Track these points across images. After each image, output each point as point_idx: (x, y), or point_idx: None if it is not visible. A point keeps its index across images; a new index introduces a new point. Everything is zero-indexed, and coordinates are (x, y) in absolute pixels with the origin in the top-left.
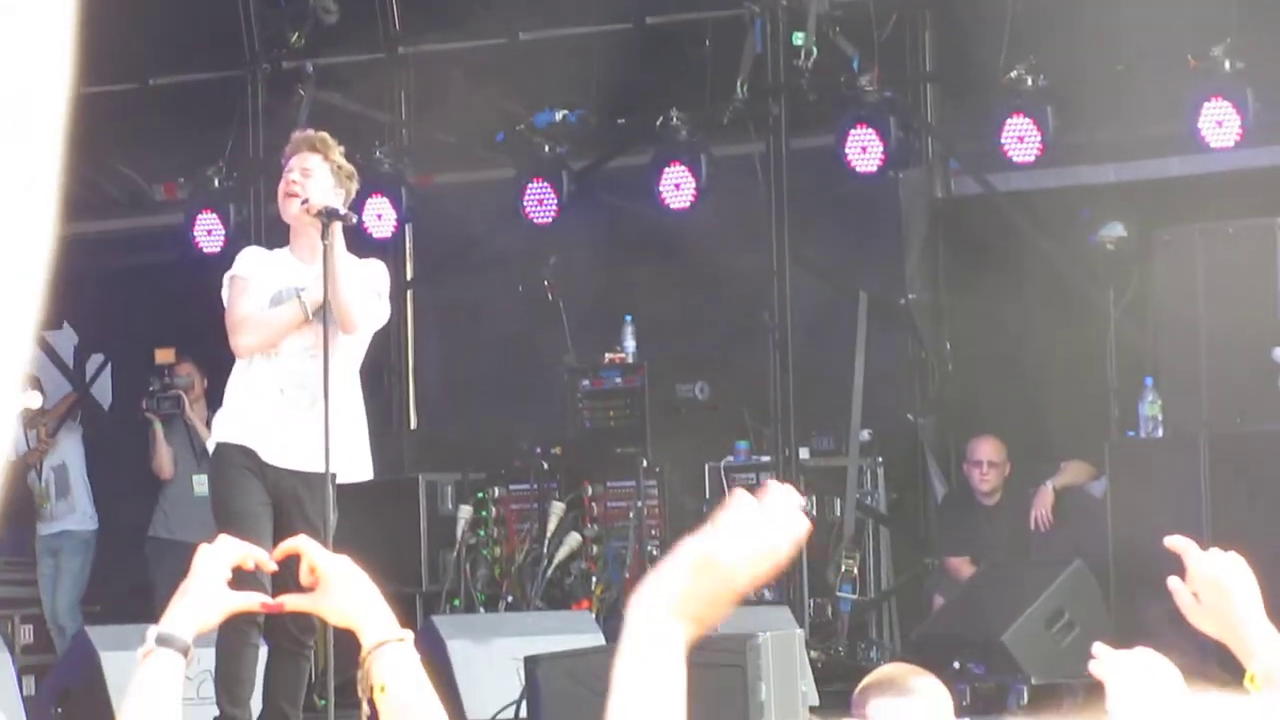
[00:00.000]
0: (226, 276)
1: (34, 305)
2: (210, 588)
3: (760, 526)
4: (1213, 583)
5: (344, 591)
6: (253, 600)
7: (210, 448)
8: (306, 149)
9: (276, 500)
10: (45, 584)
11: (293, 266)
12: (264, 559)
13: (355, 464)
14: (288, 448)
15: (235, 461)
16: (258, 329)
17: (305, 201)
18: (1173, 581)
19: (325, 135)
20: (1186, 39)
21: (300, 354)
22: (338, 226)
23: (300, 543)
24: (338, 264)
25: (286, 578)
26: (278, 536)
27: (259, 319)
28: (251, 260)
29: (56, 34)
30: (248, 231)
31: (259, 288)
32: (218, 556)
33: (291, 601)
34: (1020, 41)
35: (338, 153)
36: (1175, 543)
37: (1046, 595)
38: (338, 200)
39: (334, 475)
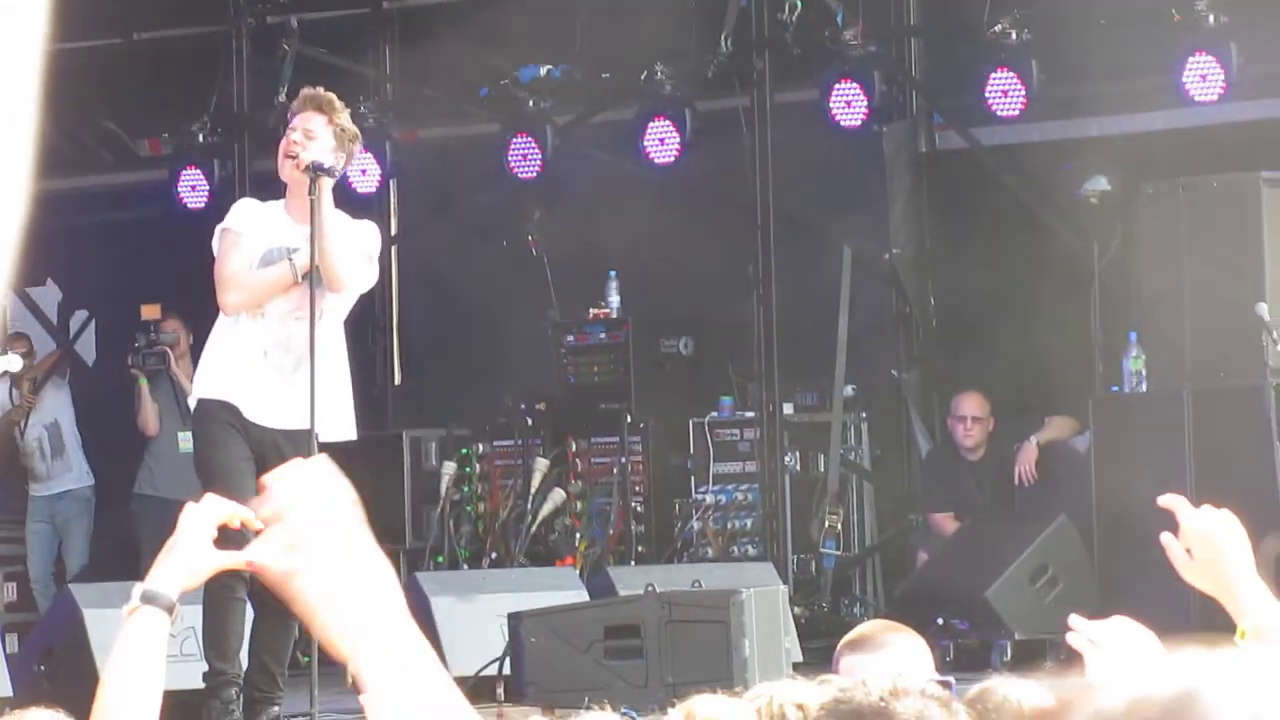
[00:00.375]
0: (218, 228)
1: (8, 260)
2: (196, 546)
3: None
4: (1205, 539)
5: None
6: (238, 559)
7: (192, 404)
8: (312, 109)
9: (259, 455)
10: (37, 543)
11: (286, 225)
12: (249, 517)
13: (339, 424)
14: (271, 407)
15: (218, 417)
16: (245, 288)
17: (296, 158)
18: (1165, 537)
19: (332, 97)
20: None
21: (285, 316)
22: (326, 183)
23: (266, 480)
24: (326, 221)
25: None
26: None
27: (247, 278)
28: (244, 214)
29: None
30: (232, 186)
31: (250, 244)
32: (203, 515)
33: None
34: None
35: (344, 115)
36: (1168, 500)
37: (1030, 551)
38: (337, 162)
39: (317, 435)
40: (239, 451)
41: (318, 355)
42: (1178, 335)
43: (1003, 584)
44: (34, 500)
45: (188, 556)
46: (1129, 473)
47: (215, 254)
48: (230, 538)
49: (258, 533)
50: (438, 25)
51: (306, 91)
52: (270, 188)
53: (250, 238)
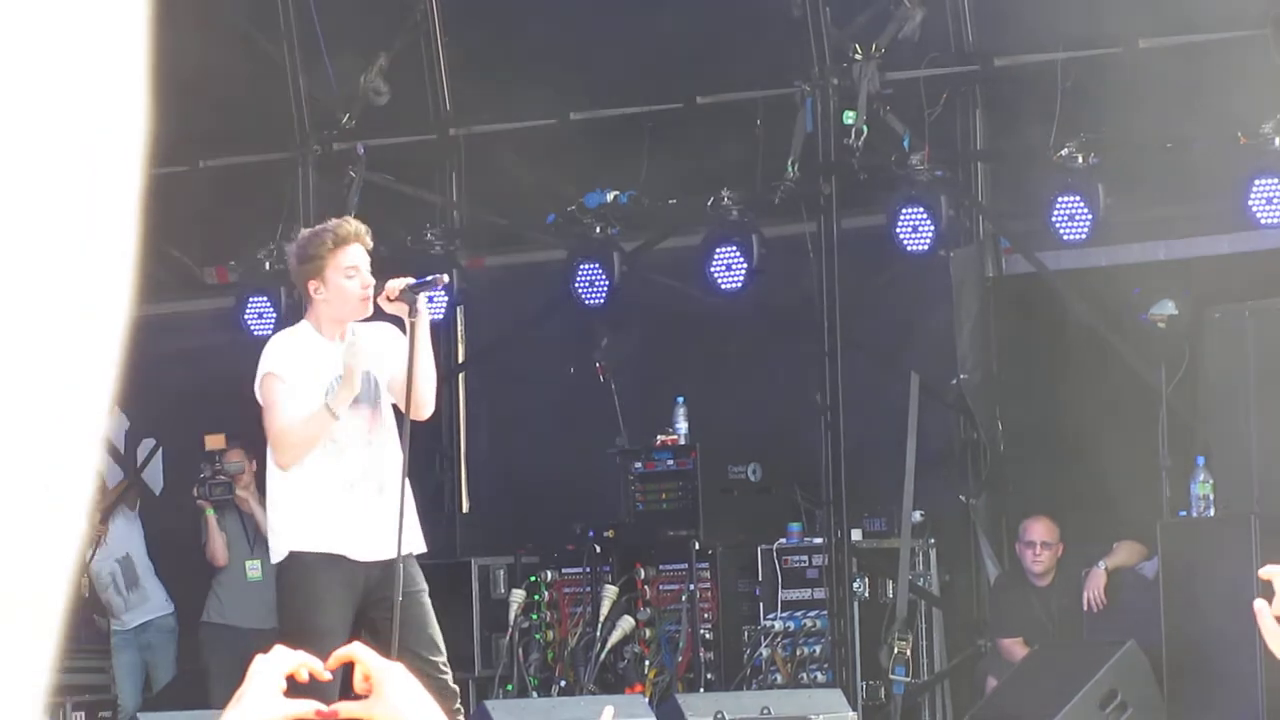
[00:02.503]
0: (262, 374)
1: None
2: (264, 696)
3: None
4: None
5: (397, 697)
6: (307, 708)
7: (282, 552)
8: (362, 245)
9: (355, 591)
10: (126, 675)
11: (323, 349)
12: (318, 669)
13: (418, 539)
14: (371, 542)
15: (320, 574)
16: (294, 448)
17: (378, 293)
18: (1259, 604)
19: (361, 227)
20: (1236, 115)
21: (359, 443)
22: (423, 300)
23: (354, 649)
24: (424, 348)
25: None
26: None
27: (294, 439)
28: (285, 356)
29: (131, 110)
30: (299, 314)
31: (304, 386)
32: (273, 665)
33: (345, 709)
34: (1070, 119)
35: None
36: (1269, 571)
37: (1100, 676)
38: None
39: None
40: (342, 614)
41: (395, 476)
42: (1245, 460)
43: (1072, 709)
44: (117, 635)
45: (256, 707)
46: (1197, 598)
47: (261, 401)
48: (304, 690)
49: (325, 682)
50: (504, 151)
51: (350, 225)
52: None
53: (298, 379)
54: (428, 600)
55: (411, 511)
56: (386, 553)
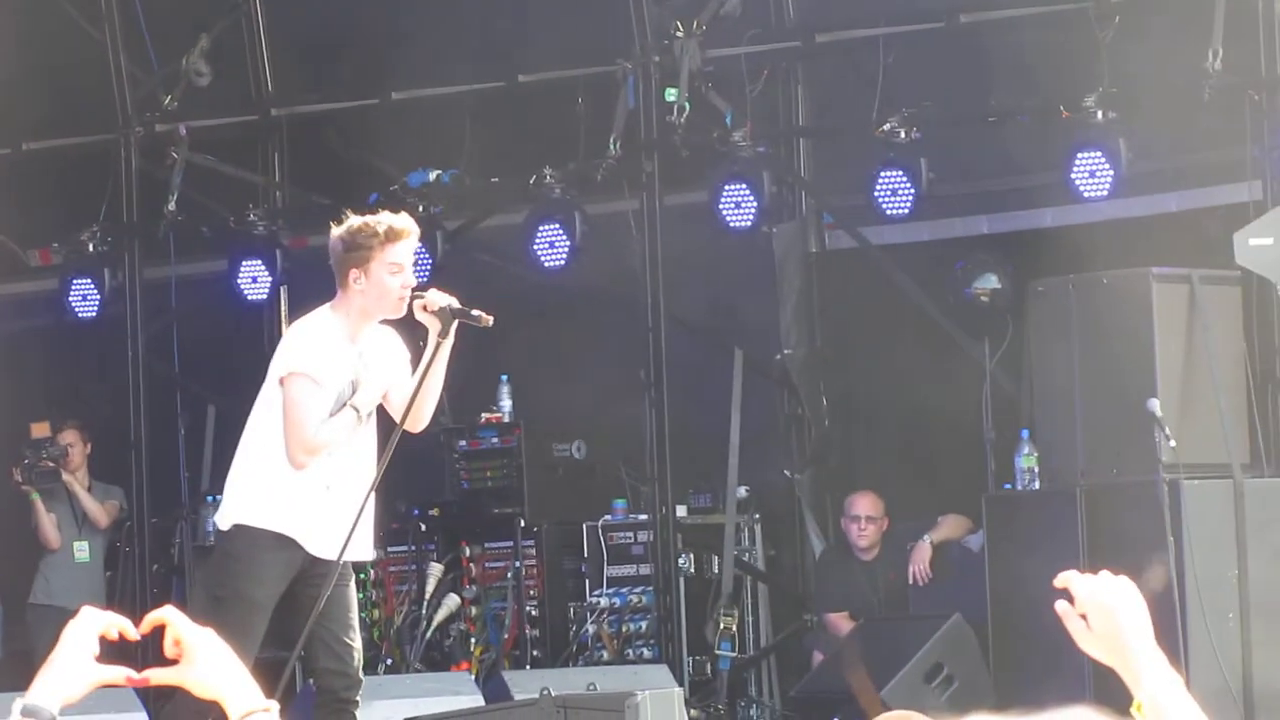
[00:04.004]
0: (292, 372)
1: None
2: (77, 660)
3: None
4: (1102, 607)
5: (208, 664)
6: (118, 674)
7: (228, 522)
8: (411, 243)
9: (298, 574)
10: None
11: (345, 350)
12: (128, 629)
13: (369, 546)
14: (328, 540)
15: (266, 550)
16: (318, 451)
17: (416, 297)
18: (1061, 605)
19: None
20: (1058, 89)
21: (350, 452)
22: (455, 326)
23: (165, 614)
24: (441, 371)
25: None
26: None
27: (322, 442)
28: (317, 356)
29: None
30: (122, 295)
31: (331, 390)
32: (84, 628)
33: (157, 675)
34: (892, 94)
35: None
36: (1063, 580)
37: (925, 650)
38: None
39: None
40: (276, 591)
41: (365, 481)
42: (1070, 432)
43: (898, 683)
44: None
45: (68, 670)
46: (1022, 571)
47: (286, 396)
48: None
49: (134, 641)
50: (326, 132)
51: (409, 223)
52: (158, 294)
53: (330, 386)
54: (354, 586)
55: (370, 518)
56: (331, 553)
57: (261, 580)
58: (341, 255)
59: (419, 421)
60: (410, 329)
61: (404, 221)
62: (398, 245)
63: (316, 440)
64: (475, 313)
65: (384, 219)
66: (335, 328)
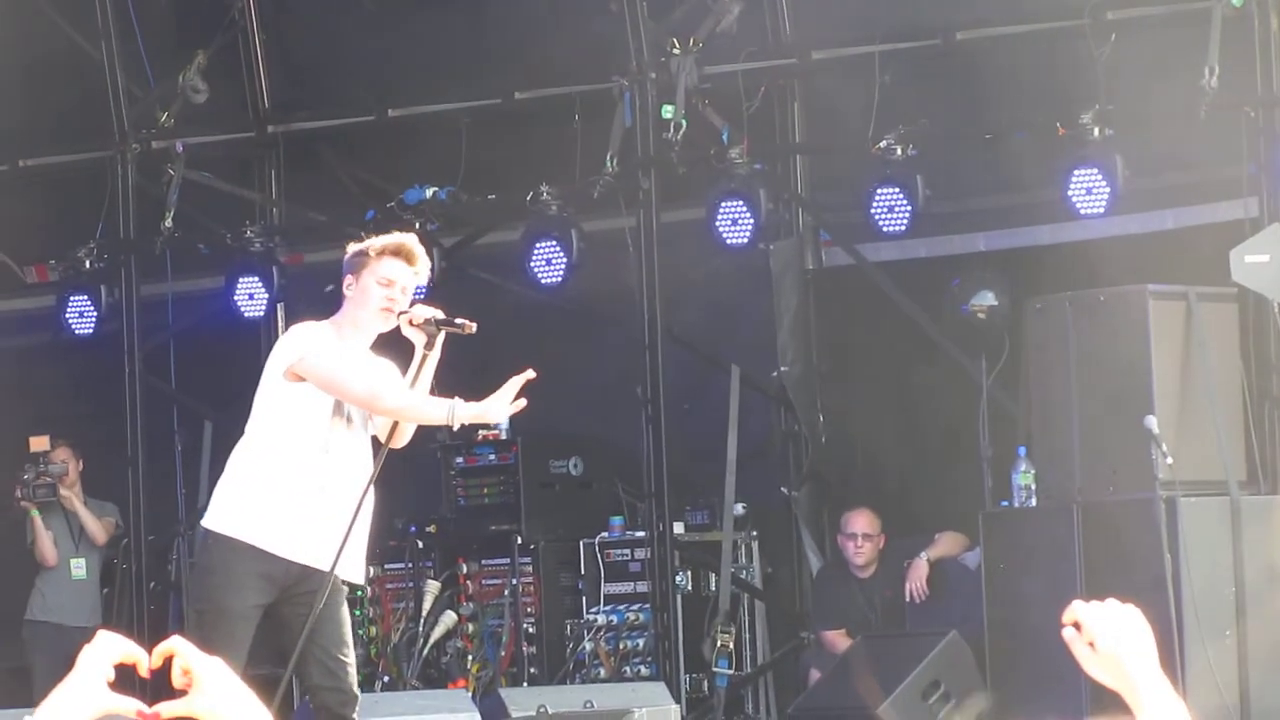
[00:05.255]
0: (307, 350)
1: None
2: (89, 685)
3: None
4: (1108, 634)
5: (217, 692)
6: (129, 705)
7: (210, 527)
8: (408, 266)
9: (284, 589)
10: None
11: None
12: (142, 662)
13: (361, 568)
14: (313, 547)
15: (242, 561)
16: (406, 398)
17: (402, 313)
18: (1068, 633)
19: (417, 249)
20: (1055, 106)
21: (346, 457)
22: (441, 338)
23: (174, 643)
24: (428, 379)
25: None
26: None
27: (399, 398)
28: (322, 339)
29: None
30: (119, 312)
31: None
32: (101, 654)
33: (167, 708)
34: (889, 111)
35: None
36: (1070, 612)
37: (922, 666)
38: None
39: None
40: (257, 601)
41: (359, 489)
42: (1067, 449)
43: (895, 700)
44: None
45: (79, 695)
46: (1019, 588)
47: (316, 376)
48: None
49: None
50: (323, 149)
51: (410, 242)
52: (154, 311)
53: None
54: (345, 603)
55: (365, 539)
56: (321, 563)
57: (239, 589)
58: (346, 262)
59: (403, 437)
60: (406, 357)
61: (410, 245)
62: (394, 261)
63: (386, 389)
64: (459, 321)
65: (394, 236)
66: (333, 335)
